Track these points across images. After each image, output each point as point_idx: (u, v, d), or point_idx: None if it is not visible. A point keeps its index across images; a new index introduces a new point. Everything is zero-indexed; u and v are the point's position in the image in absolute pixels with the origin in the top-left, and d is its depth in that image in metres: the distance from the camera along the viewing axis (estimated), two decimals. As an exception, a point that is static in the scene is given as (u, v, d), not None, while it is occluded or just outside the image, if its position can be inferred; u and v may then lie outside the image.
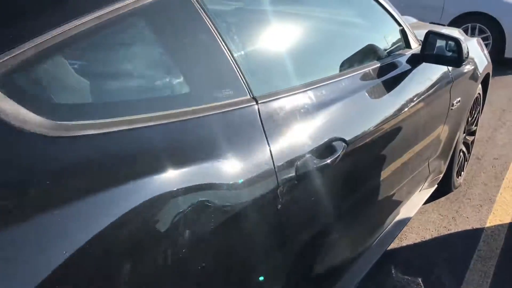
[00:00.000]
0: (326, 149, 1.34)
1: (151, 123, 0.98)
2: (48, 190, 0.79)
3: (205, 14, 1.17)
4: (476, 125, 3.22)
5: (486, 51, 3.08)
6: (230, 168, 1.08)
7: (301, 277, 1.50)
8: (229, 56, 1.19)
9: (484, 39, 6.43)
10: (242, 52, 1.28)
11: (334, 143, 1.39)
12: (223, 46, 1.18)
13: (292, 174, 1.21)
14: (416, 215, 2.79)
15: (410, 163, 2.17)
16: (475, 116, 3.10)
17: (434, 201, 2.97)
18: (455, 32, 3.00)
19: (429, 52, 1.93)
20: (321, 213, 1.45)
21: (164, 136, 1.00)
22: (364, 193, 1.85)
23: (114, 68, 1.06)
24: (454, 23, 6.50)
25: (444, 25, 3.26)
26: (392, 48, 2.03)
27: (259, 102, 1.22)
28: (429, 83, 2.10)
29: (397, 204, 2.27)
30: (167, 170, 0.96)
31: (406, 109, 1.91)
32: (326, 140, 1.36)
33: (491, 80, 3.31)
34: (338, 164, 1.40)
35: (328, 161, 1.30)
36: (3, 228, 0.73)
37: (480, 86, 2.97)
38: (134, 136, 0.95)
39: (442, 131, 2.43)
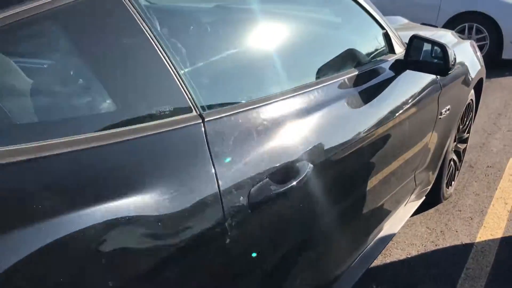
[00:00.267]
0: (287, 171, 1.18)
1: (64, 150, 0.82)
2: None
3: (139, 17, 1.00)
4: (468, 132, 3.06)
5: (479, 55, 2.92)
6: (163, 200, 0.91)
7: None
8: (170, 65, 1.03)
9: (481, 39, 6.27)
10: (187, 62, 1.12)
11: (298, 164, 1.23)
12: (162, 54, 1.02)
13: (243, 203, 1.05)
14: (403, 228, 2.64)
15: (393, 176, 2.02)
16: (467, 123, 2.94)
17: (422, 213, 2.82)
18: (448, 34, 2.84)
19: (413, 59, 1.76)
20: (284, 243, 1.29)
21: (80, 166, 0.84)
22: (341, 212, 1.69)
23: (23, 84, 0.89)
24: (450, 23, 6.33)
25: (436, 26, 3.09)
26: (374, 53, 1.87)
27: (206, 119, 1.06)
28: (414, 91, 1.94)
29: (380, 220, 2.12)
30: (83, 207, 0.80)
31: (388, 120, 1.75)
32: (288, 161, 1.20)
33: (487, 83, 3.15)
34: (305, 186, 1.24)
35: (289, 186, 1.15)
36: None
37: (472, 91, 2.81)
38: (41, 167, 0.79)
39: (430, 141, 2.27)
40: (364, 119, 1.66)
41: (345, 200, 1.69)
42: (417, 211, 2.68)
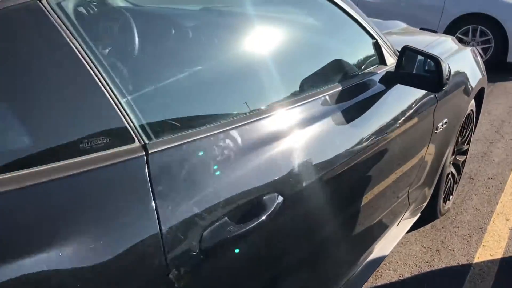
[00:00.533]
0: (251, 208, 1.03)
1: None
2: None
3: (65, 30, 0.85)
4: (468, 144, 2.90)
5: (481, 62, 2.76)
6: (93, 251, 0.77)
7: None
8: (105, 86, 0.88)
9: (485, 42, 6.09)
10: (128, 81, 0.96)
11: (265, 197, 1.07)
12: (95, 72, 0.87)
13: (194, 250, 0.90)
14: (397, 246, 2.48)
15: (384, 196, 1.87)
16: (467, 134, 2.78)
17: (418, 229, 2.66)
18: (448, 41, 2.68)
19: (404, 72, 1.61)
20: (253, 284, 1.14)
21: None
22: (324, 240, 1.54)
23: None
24: (454, 24, 6.16)
25: (436, 31, 2.92)
26: (362, 65, 1.72)
27: (150, 151, 0.91)
28: (406, 105, 1.78)
29: (370, 242, 1.97)
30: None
31: (377, 138, 1.60)
32: (252, 196, 1.04)
33: (490, 87, 2.99)
34: (273, 222, 1.09)
35: (251, 225, 0.99)
36: None
37: (473, 102, 2.65)
38: None
39: (425, 157, 2.11)
40: (350, 138, 1.51)
41: (327, 228, 1.54)
42: (413, 227, 2.53)
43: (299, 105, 1.34)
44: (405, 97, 1.79)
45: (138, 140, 0.90)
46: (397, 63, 1.62)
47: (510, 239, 2.62)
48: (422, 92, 1.87)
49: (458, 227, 2.71)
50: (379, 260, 2.04)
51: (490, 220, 2.80)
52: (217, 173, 0.98)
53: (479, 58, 2.76)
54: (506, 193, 3.13)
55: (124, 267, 0.80)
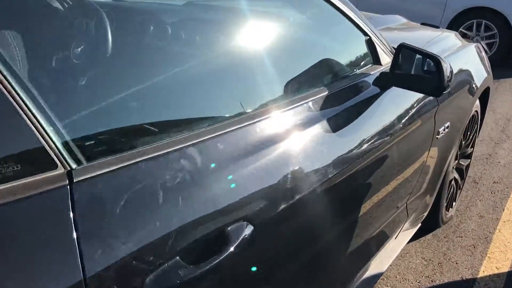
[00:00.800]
0: (208, 244, 0.85)
1: None
2: None
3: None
4: (472, 147, 2.71)
5: (486, 59, 2.56)
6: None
7: None
8: (17, 100, 0.70)
9: (490, 37, 5.89)
10: (47, 93, 0.78)
11: (229, 228, 0.89)
12: (3, 83, 0.69)
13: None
14: (396, 259, 2.30)
15: (380, 209, 1.69)
16: (471, 137, 2.59)
17: (418, 239, 2.48)
18: (451, 37, 2.49)
19: (400, 74, 1.42)
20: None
21: None
22: (317, 254, 1.37)
23: None
24: (458, 19, 5.95)
25: (438, 27, 2.73)
26: (354, 66, 1.53)
27: (76, 179, 0.73)
28: (404, 109, 1.60)
29: (365, 259, 1.79)
30: None
31: (371, 146, 1.43)
32: (210, 230, 0.86)
33: (495, 84, 2.79)
34: (240, 255, 0.91)
35: (208, 267, 0.81)
36: None
37: (477, 102, 2.46)
38: None
39: (425, 164, 1.93)
40: (341, 147, 1.33)
41: (318, 246, 1.37)
42: (413, 238, 2.34)
43: (282, 112, 1.17)
44: (403, 100, 1.60)
45: (62, 166, 0.72)
46: (392, 62, 1.43)
47: (518, 250, 2.43)
48: (420, 94, 1.69)
49: (462, 237, 2.53)
50: (375, 278, 1.87)
51: (495, 229, 2.61)
52: (164, 203, 0.80)
53: (484, 54, 2.57)
54: (513, 198, 2.94)
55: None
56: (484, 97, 2.58)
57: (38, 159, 0.70)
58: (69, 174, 0.72)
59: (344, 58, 1.53)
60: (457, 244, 2.46)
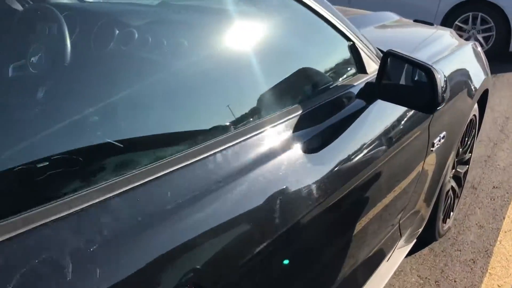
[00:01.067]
0: None
1: None
2: None
3: None
4: (471, 151, 2.53)
5: (485, 59, 2.38)
6: None
7: None
8: None
9: (487, 30, 5.70)
10: None
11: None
12: None
13: None
14: (390, 278, 2.12)
15: (367, 235, 1.52)
16: (468, 143, 2.41)
17: (414, 255, 2.31)
18: (446, 35, 2.30)
19: (387, 85, 1.23)
20: None
21: None
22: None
23: None
24: (453, 12, 5.75)
25: (432, 24, 2.54)
26: (337, 76, 1.34)
27: None
28: (393, 123, 1.42)
29: (355, 286, 1.61)
30: None
31: (357, 168, 1.26)
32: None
33: (494, 79, 2.61)
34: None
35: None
36: None
37: (476, 106, 2.27)
38: None
39: (419, 179, 1.75)
40: (321, 171, 1.15)
41: (302, 276, 1.19)
42: (408, 252, 2.17)
43: (254, 135, 0.98)
44: (391, 112, 1.42)
45: None
46: (378, 73, 1.24)
47: (521, 264, 2.26)
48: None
49: (460, 250, 2.35)
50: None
51: (496, 240, 2.44)
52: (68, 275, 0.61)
53: (481, 54, 2.38)
54: (514, 205, 2.76)
55: None
56: (483, 100, 2.40)
57: None
58: None
59: (324, 68, 1.34)
60: (456, 259, 2.29)
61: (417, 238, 2.10)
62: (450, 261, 2.27)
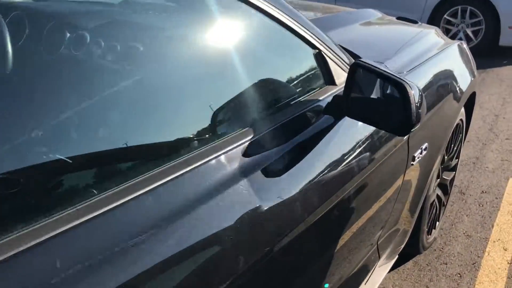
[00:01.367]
0: None
1: None
2: None
3: None
4: (457, 157, 2.39)
5: (472, 60, 2.23)
6: None
7: None
8: None
9: (476, 24, 5.56)
10: None
11: None
12: None
13: None
14: (369, 297, 1.98)
15: (341, 258, 1.37)
16: (455, 149, 2.26)
17: (397, 269, 2.17)
18: (431, 34, 2.14)
19: (356, 99, 1.07)
20: None
21: None
22: None
23: None
24: (442, 5, 5.60)
25: (416, 21, 2.38)
26: (301, 89, 1.18)
27: None
28: (366, 140, 1.26)
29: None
30: None
31: (326, 191, 1.10)
32: None
33: (482, 74, 2.46)
34: None
35: None
36: None
37: (463, 110, 2.13)
38: None
39: (399, 196, 1.60)
40: (286, 199, 0.99)
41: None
42: (392, 267, 2.02)
43: (205, 162, 0.83)
44: (363, 127, 1.26)
45: None
46: (345, 86, 1.08)
47: (510, 278, 2.12)
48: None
49: (446, 264, 2.21)
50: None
51: (484, 251, 2.30)
52: None
53: (469, 53, 2.23)
54: (503, 211, 2.63)
55: None
56: (470, 104, 2.25)
57: None
58: None
59: (287, 80, 1.17)
60: (441, 273, 2.15)
61: (399, 255, 1.96)
62: (435, 276, 2.13)
